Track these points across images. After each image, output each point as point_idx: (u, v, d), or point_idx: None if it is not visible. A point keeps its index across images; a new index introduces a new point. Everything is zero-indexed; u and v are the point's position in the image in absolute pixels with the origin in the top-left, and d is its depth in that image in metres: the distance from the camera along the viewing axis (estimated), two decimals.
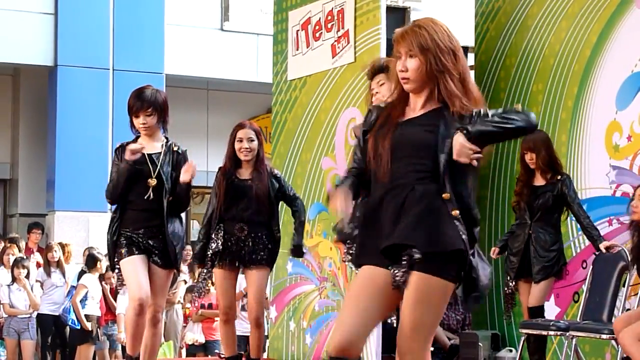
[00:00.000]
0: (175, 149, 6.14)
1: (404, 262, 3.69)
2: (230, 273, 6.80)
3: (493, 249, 7.41)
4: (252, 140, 6.79)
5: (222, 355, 10.09)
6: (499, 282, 7.61)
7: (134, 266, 5.97)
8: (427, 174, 3.75)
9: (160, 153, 6.08)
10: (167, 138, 6.17)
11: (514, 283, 7.14)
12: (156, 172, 6.01)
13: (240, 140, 6.78)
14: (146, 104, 5.97)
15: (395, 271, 3.70)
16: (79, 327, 10.83)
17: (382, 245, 3.74)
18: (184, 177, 6.02)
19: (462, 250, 3.68)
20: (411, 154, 3.78)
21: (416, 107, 3.89)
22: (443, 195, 3.72)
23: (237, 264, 6.78)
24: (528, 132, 3.82)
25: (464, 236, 3.69)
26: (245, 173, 6.85)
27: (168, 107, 6.11)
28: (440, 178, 3.73)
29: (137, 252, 6.02)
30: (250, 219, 6.78)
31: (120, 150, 6.08)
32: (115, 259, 6.10)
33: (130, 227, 6.06)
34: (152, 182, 6.00)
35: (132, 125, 6.08)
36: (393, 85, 3.98)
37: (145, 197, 6.01)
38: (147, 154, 6.04)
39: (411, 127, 3.84)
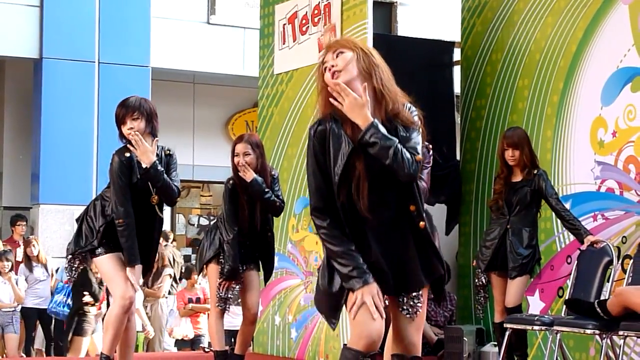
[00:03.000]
0: (166, 151, 6.05)
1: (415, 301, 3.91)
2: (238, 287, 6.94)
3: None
4: (248, 154, 6.79)
5: (207, 349, 10.14)
6: None
7: (117, 263, 5.88)
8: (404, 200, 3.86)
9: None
10: (157, 142, 6.00)
11: (484, 275, 7.14)
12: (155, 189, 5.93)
13: (237, 155, 6.81)
14: (131, 109, 5.84)
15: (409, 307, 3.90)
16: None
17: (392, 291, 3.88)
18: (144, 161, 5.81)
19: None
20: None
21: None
22: (421, 225, 3.84)
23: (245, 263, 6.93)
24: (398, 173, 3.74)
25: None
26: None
27: (156, 114, 5.97)
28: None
29: (115, 249, 5.90)
30: (259, 223, 6.92)
31: (125, 159, 5.87)
32: (86, 253, 5.97)
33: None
34: (155, 199, 5.96)
35: (121, 134, 5.91)
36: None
37: (146, 213, 5.93)
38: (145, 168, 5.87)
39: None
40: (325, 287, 3.84)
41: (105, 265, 5.92)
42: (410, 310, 3.88)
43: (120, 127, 5.90)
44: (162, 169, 5.87)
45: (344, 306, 3.80)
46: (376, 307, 3.71)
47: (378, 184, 3.78)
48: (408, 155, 3.71)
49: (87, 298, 10.22)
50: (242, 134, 7.20)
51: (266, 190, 6.75)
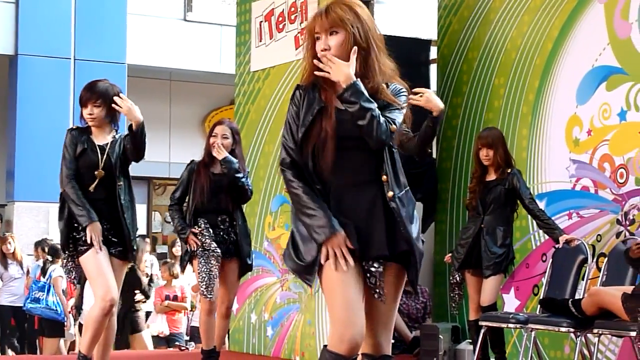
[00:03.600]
0: (124, 137, 5.97)
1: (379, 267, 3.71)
2: (216, 264, 6.86)
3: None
4: (226, 138, 6.91)
5: (183, 347, 10.12)
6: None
7: (101, 264, 5.76)
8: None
9: (109, 143, 5.92)
10: (117, 131, 6.01)
11: (459, 273, 7.17)
12: (103, 162, 5.87)
13: (215, 136, 6.89)
14: (95, 95, 5.86)
15: (375, 280, 3.72)
16: (50, 319, 10.80)
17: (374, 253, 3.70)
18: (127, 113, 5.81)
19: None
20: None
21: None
22: (389, 195, 3.72)
23: (222, 255, 6.88)
24: (370, 137, 3.66)
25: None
26: (218, 167, 6.93)
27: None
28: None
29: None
30: (227, 212, 6.95)
31: (76, 133, 5.96)
32: (71, 252, 5.89)
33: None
34: (100, 173, 5.87)
35: (81, 115, 5.97)
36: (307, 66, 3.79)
37: (90, 189, 5.86)
38: (98, 145, 5.90)
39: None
40: (293, 257, 3.73)
41: (89, 264, 5.78)
42: (375, 284, 3.69)
43: (82, 108, 5.94)
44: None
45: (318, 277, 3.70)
46: (345, 259, 3.60)
47: (346, 148, 3.71)
48: (383, 122, 3.66)
49: (139, 296, 10.22)
50: (223, 118, 7.28)
51: (239, 170, 6.79)
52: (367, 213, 3.71)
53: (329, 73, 3.66)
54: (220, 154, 6.80)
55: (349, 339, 3.57)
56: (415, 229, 3.77)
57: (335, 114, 3.70)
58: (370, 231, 3.70)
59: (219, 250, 6.82)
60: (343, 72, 3.63)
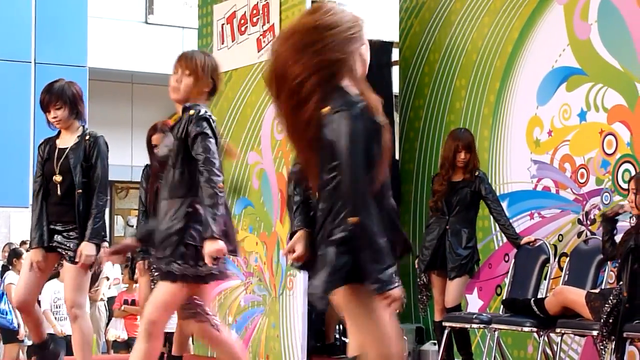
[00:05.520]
0: (87, 137, 5.95)
1: None
2: None
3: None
4: None
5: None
6: None
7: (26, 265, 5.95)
8: None
9: (69, 147, 5.91)
10: (84, 127, 6.00)
11: (425, 275, 7.15)
12: (58, 167, 5.86)
13: (156, 147, 6.79)
14: (54, 97, 5.85)
15: None
16: (6, 327, 10.69)
17: None
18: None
19: None
20: None
21: None
22: None
23: None
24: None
25: None
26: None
27: (80, 97, 5.96)
28: None
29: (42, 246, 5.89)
30: None
31: (43, 146, 6.00)
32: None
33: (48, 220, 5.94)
34: (57, 178, 5.86)
35: (48, 121, 5.97)
36: None
37: (56, 193, 5.88)
38: (58, 148, 5.91)
39: None
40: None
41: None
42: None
43: (46, 114, 5.93)
44: None
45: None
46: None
47: None
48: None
49: None
50: (155, 123, 7.17)
51: None
52: None
53: None
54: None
55: (397, 352, 3.44)
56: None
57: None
58: None
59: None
60: None
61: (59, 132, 6.00)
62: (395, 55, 9.15)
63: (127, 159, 15.63)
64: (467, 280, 7.10)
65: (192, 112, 4.80)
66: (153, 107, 16.10)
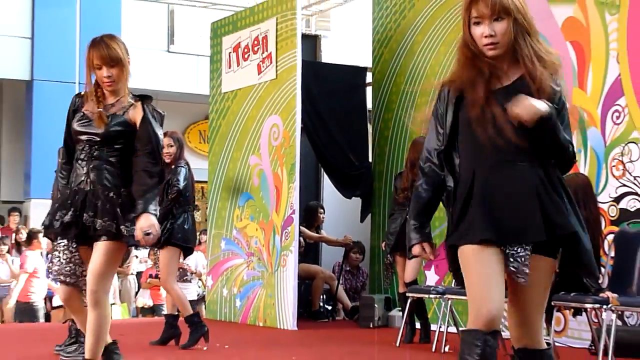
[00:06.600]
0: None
1: (527, 253, 2.83)
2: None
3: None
4: (171, 146, 6.65)
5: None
6: None
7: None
8: (526, 150, 2.85)
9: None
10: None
11: (390, 255, 7.07)
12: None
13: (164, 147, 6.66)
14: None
15: (519, 262, 2.83)
16: None
17: (532, 236, 2.81)
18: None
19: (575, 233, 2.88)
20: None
21: (500, 75, 2.87)
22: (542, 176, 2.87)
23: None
24: (562, 162, 2.90)
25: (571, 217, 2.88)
26: (167, 171, 6.74)
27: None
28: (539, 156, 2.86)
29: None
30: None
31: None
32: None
33: None
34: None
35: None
36: (462, 56, 2.92)
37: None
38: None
39: (507, 96, 2.82)
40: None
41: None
42: (517, 268, 2.83)
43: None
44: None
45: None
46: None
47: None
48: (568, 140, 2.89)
49: None
50: (166, 131, 7.03)
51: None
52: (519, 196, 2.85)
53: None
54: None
55: (485, 313, 2.78)
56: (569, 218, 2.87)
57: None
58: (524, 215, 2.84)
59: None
60: (535, 109, 2.76)
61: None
62: (369, 78, 9.10)
63: None
64: (422, 260, 7.02)
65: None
66: (173, 119, 15.88)
